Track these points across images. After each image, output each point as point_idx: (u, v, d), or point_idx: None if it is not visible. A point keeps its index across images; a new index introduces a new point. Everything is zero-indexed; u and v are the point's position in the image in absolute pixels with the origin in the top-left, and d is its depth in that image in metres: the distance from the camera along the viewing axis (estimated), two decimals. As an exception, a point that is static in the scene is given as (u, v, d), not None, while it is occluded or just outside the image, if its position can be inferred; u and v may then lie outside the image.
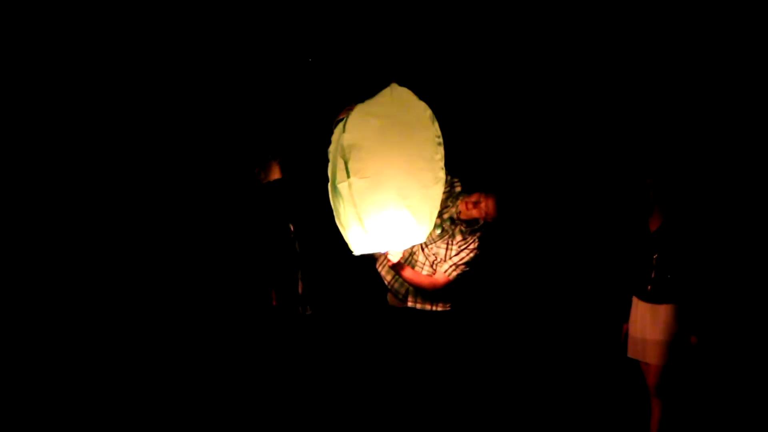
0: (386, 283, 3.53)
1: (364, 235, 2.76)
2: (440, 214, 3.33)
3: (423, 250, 3.45)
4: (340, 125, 2.80)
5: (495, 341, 4.45)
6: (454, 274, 3.36)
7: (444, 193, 3.36)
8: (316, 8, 4.23)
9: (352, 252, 2.88)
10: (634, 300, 3.53)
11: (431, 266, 3.42)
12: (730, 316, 3.92)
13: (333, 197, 2.83)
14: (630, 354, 3.55)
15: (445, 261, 3.39)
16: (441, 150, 2.77)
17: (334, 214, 2.87)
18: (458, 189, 3.45)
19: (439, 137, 2.78)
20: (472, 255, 3.38)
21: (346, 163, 2.61)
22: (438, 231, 3.40)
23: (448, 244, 3.39)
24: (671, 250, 3.42)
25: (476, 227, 3.37)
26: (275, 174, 3.67)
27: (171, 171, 4.34)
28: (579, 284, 4.42)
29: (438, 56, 4.27)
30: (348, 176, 2.64)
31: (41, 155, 4.11)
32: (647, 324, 3.45)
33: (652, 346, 3.43)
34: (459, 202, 3.39)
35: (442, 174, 2.79)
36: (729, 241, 3.95)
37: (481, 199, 3.30)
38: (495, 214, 3.30)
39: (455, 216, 3.37)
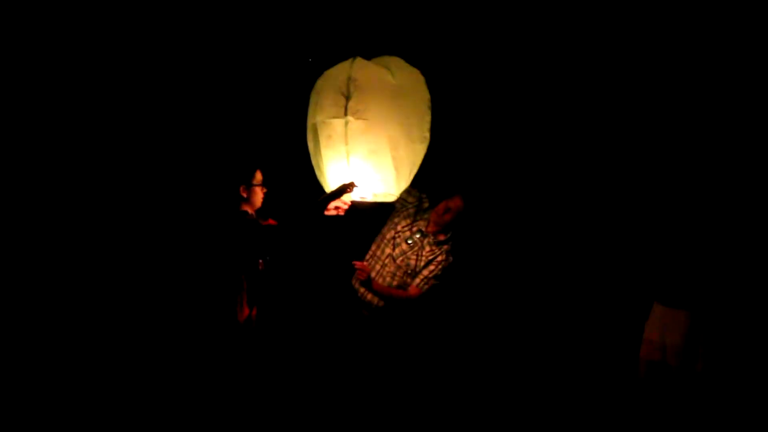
0: (359, 295, 3.62)
1: (344, 175, 2.80)
2: (410, 228, 3.59)
3: (395, 261, 3.59)
4: (346, 63, 2.83)
5: (500, 345, 4.41)
6: (426, 287, 3.56)
7: (413, 207, 3.62)
8: (316, 9, 4.19)
9: (324, 192, 2.89)
10: (655, 304, 3.58)
11: (402, 277, 3.57)
12: (747, 325, 3.79)
13: (313, 132, 2.84)
14: (644, 355, 3.57)
15: (415, 272, 3.57)
16: (430, 113, 2.88)
17: (310, 151, 2.89)
18: (426, 205, 3.66)
19: (429, 101, 2.88)
20: (440, 267, 3.57)
21: (347, 100, 2.67)
22: (409, 242, 3.58)
23: (417, 255, 3.57)
24: (695, 256, 3.48)
25: (443, 240, 3.58)
26: (257, 197, 3.37)
27: (156, 174, 4.30)
28: (595, 287, 4.36)
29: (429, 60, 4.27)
30: (345, 114, 2.69)
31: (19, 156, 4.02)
32: (667, 328, 3.49)
33: (670, 351, 3.47)
34: (430, 215, 3.61)
35: (428, 135, 2.88)
36: (753, 248, 3.83)
37: (449, 204, 3.53)
38: (463, 209, 3.52)
39: (424, 229, 3.59)
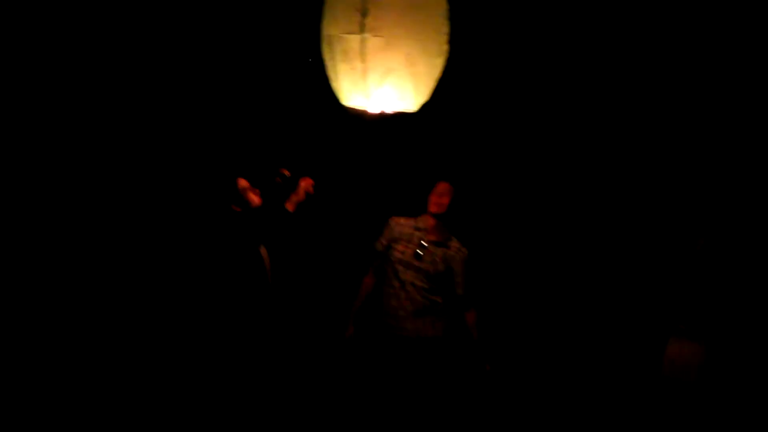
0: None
1: (360, 91, 2.71)
2: (412, 241, 3.63)
3: (414, 286, 3.57)
4: None
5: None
6: (467, 289, 3.63)
7: (396, 233, 3.68)
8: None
9: (340, 103, 2.81)
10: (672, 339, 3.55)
11: (427, 297, 3.56)
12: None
13: (328, 44, 2.75)
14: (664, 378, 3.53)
15: (441, 274, 3.58)
16: (448, 24, 2.78)
17: (325, 61, 2.80)
18: (404, 221, 3.70)
19: (448, 11, 2.78)
20: (463, 264, 3.62)
21: (363, 17, 2.59)
22: (420, 252, 3.59)
23: (433, 260, 3.58)
24: (713, 287, 3.50)
25: (445, 239, 3.63)
26: (254, 201, 3.33)
27: (149, 176, 4.27)
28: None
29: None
30: (362, 31, 2.61)
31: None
32: (683, 361, 3.47)
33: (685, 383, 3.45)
34: (427, 215, 3.62)
35: (446, 47, 2.80)
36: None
37: (438, 188, 3.61)
38: (452, 189, 3.60)
39: (424, 238, 3.63)
